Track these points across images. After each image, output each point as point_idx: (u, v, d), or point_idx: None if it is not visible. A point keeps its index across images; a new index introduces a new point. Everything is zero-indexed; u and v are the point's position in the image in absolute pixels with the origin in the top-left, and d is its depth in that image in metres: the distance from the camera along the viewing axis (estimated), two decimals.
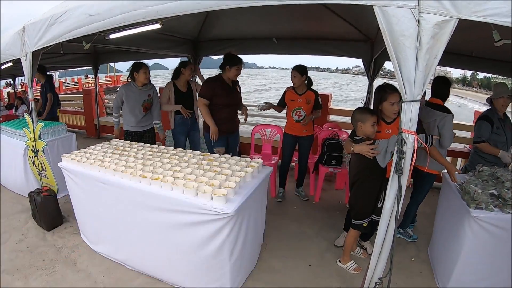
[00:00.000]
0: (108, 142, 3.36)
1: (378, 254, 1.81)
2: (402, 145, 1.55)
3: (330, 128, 4.69)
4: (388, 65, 4.68)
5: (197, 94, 3.77)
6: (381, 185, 2.42)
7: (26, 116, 3.40)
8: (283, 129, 4.04)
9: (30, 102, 3.36)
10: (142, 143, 3.33)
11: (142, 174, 2.42)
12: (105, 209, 2.70)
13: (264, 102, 3.64)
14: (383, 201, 2.55)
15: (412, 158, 1.58)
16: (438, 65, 1.50)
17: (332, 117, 5.75)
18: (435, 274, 2.68)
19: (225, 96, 3.35)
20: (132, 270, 2.71)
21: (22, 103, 7.34)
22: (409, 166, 1.60)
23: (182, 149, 3.10)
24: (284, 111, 3.99)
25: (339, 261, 2.80)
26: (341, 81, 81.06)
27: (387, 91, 2.41)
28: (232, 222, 2.10)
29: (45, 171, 3.39)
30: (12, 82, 10.40)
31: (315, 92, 3.81)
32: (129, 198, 2.46)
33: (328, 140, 3.98)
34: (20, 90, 10.41)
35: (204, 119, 3.37)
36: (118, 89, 3.88)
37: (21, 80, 12.82)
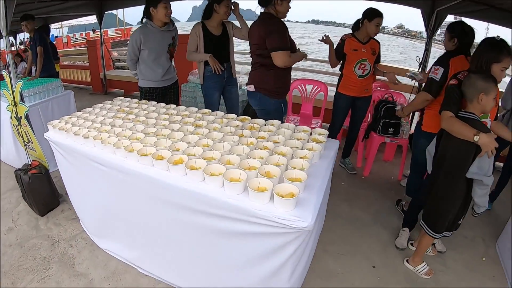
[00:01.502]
0: (110, 101, 2.57)
1: None
2: None
3: (378, 88, 3.90)
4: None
5: (232, 40, 3.05)
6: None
7: (4, 73, 2.56)
8: (336, 88, 3.17)
9: (6, 56, 2.55)
10: (154, 102, 2.52)
11: (156, 153, 1.61)
12: (107, 196, 1.96)
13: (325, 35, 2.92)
14: (465, 216, 1.98)
15: None
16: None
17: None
18: (507, 276, 2.18)
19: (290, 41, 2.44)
20: (146, 275, 2.05)
21: (21, 61, 6.59)
22: None
23: (210, 111, 2.28)
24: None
25: (407, 261, 2.24)
26: None
27: (503, 51, 1.77)
28: (302, 237, 1.31)
29: (31, 143, 2.63)
30: (13, 40, 9.54)
31: (378, 41, 3.00)
32: (138, 187, 1.69)
33: (385, 104, 3.17)
34: (21, 47, 9.62)
35: (294, 63, 2.46)
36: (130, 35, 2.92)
37: (23, 37, 11.94)
